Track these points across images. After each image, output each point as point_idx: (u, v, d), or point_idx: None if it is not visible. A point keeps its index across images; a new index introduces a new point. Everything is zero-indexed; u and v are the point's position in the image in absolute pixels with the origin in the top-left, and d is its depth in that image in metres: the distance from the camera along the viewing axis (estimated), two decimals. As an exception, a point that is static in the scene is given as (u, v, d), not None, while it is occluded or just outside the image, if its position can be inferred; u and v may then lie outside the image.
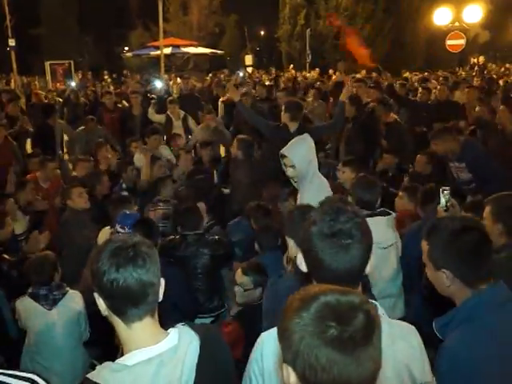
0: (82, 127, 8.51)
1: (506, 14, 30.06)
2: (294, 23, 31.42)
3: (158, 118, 9.13)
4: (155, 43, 24.41)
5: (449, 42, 17.26)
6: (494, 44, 31.86)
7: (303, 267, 1.76)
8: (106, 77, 22.84)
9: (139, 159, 6.48)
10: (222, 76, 19.97)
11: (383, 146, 7.27)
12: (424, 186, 4.44)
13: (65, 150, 9.26)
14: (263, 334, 1.81)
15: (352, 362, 1.15)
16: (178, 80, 18.26)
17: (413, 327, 1.83)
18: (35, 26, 33.73)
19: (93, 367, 2.17)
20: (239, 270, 3.73)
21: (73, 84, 17.46)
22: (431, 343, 1.95)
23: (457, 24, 17.49)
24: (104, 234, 4.24)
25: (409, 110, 8.84)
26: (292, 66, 26.69)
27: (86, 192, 5.05)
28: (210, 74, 21.50)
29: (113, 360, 1.59)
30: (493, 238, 2.15)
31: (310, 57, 24.25)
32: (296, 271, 2.21)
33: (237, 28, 36.30)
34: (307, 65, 24.29)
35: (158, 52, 20.63)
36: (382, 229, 3.53)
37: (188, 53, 27.73)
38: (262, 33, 39.79)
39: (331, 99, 10.75)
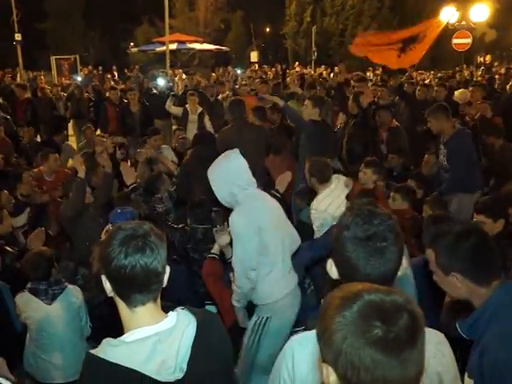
0: (84, 141, 8.47)
1: (513, 13, 29.90)
2: (300, 20, 31.41)
3: (176, 111, 9.26)
4: (161, 39, 24.43)
5: (455, 41, 17.18)
6: (501, 43, 31.68)
7: (334, 274, 1.72)
8: (114, 72, 22.83)
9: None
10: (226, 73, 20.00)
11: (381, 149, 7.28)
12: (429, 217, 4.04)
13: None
14: (294, 340, 1.74)
15: (397, 365, 1.11)
16: (184, 76, 18.27)
17: (442, 335, 1.81)
18: (41, 21, 33.82)
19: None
20: None
21: (79, 79, 17.49)
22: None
23: (463, 23, 17.41)
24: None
25: (412, 108, 8.80)
26: (297, 63, 26.67)
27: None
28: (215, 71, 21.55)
29: None
30: None
31: (315, 54, 24.21)
32: None
33: (242, 24, 36.31)
34: (313, 62, 24.26)
35: (164, 48, 20.62)
36: None
37: (193, 49, 27.73)
38: (268, 29, 39.72)
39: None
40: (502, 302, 1.92)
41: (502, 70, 19.92)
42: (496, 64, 23.95)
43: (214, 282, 3.79)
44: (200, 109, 9.01)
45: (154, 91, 11.29)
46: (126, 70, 23.59)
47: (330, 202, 4.40)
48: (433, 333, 1.79)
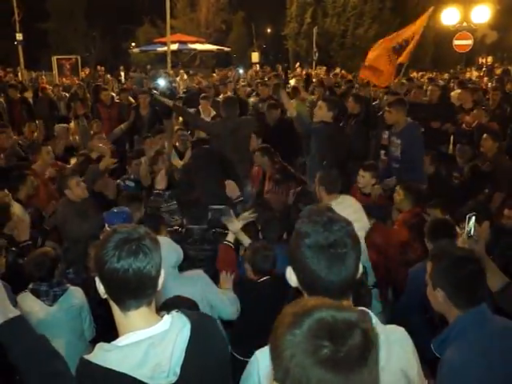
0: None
1: (514, 14, 29.91)
2: (301, 21, 31.39)
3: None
4: (162, 39, 24.46)
5: (456, 42, 17.21)
6: (502, 45, 31.71)
7: (293, 282, 1.70)
8: (121, 72, 22.79)
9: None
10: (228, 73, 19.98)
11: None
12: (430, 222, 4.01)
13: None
14: (257, 353, 1.73)
15: (345, 383, 1.09)
16: (185, 76, 18.29)
17: (403, 330, 1.83)
18: (43, 21, 33.81)
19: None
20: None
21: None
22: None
23: (464, 24, 17.43)
24: None
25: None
26: (298, 63, 26.69)
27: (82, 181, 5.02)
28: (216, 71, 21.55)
29: None
30: None
31: (316, 55, 24.22)
32: None
33: (244, 25, 36.32)
34: (314, 63, 24.28)
35: (165, 48, 20.67)
36: None
37: (195, 49, 27.76)
38: (269, 30, 39.77)
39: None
40: (465, 325, 2.15)
41: (498, 71, 19.95)
42: (496, 65, 23.96)
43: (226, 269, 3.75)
44: (213, 112, 9.01)
45: (155, 91, 11.29)
46: (130, 71, 23.58)
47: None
48: (395, 329, 1.81)
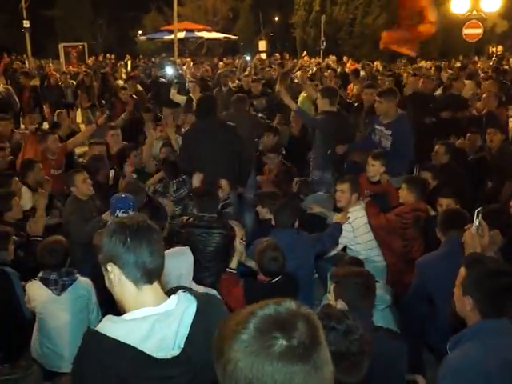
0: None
1: (525, 3, 29.52)
2: (309, 9, 31.16)
3: (179, 99, 9.28)
4: (169, 27, 24.38)
5: (466, 31, 17.00)
6: (512, 34, 31.37)
7: None
8: (128, 61, 22.70)
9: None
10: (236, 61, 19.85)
11: None
12: (444, 213, 3.94)
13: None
14: None
15: (311, 368, 1.07)
16: (191, 64, 18.21)
17: None
18: (50, 8, 33.78)
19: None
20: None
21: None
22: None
23: (474, 13, 17.22)
24: None
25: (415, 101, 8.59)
26: (305, 52, 26.52)
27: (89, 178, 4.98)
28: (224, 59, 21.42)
29: None
30: None
31: (324, 43, 24.06)
32: None
33: (251, 13, 36.10)
34: (321, 52, 24.11)
35: (172, 36, 20.60)
36: None
37: (202, 37, 27.64)
38: (277, 18, 39.51)
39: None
40: (481, 331, 2.15)
41: (511, 60, 19.76)
42: (507, 54, 23.70)
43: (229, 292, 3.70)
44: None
45: (163, 79, 11.27)
46: (137, 60, 23.45)
47: (357, 216, 4.52)
48: None
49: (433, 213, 4.54)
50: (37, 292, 3.59)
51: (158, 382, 1.62)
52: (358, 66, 16.34)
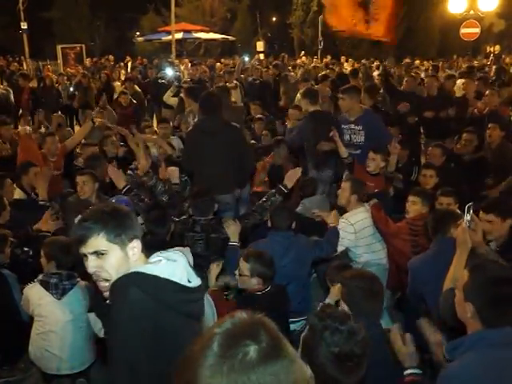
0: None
1: (522, 2, 29.55)
2: (306, 9, 31.21)
3: (172, 101, 9.28)
4: (167, 28, 24.34)
5: (463, 31, 17.05)
6: (509, 33, 31.38)
7: None
8: (129, 62, 22.65)
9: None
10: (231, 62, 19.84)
11: None
12: (434, 213, 3.95)
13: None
14: None
15: (288, 362, 1.09)
16: (189, 65, 18.19)
17: None
18: (47, 10, 33.73)
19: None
20: (242, 256, 3.66)
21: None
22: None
23: (472, 12, 17.25)
24: None
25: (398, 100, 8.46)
26: (303, 52, 26.53)
27: None
28: (223, 60, 21.39)
29: None
30: None
31: (321, 44, 24.07)
32: None
33: (249, 14, 36.09)
34: (319, 52, 24.12)
35: (170, 37, 20.56)
36: None
37: (199, 38, 27.63)
38: (274, 19, 39.48)
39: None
40: (482, 341, 2.05)
41: (507, 60, 19.76)
42: (504, 55, 23.75)
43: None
44: None
45: (162, 81, 11.26)
46: (136, 61, 23.38)
47: (360, 218, 4.50)
48: None
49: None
50: (37, 295, 3.57)
51: (190, 304, 1.98)
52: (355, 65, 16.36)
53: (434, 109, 7.79)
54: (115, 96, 11.12)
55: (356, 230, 4.42)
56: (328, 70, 13.72)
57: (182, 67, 16.96)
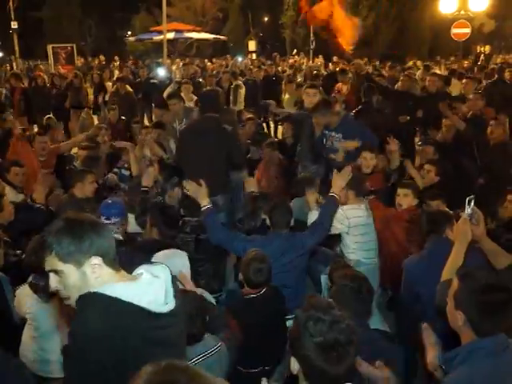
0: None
1: (512, 3, 29.79)
2: (298, 9, 31.19)
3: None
4: (158, 28, 24.26)
5: (454, 31, 17.13)
6: (500, 34, 31.61)
7: (295, 370, 1.84)
8: (116, 63, 22.56)
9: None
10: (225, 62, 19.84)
11: None
12: (428, 214, 3.96)
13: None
14: None
15: None
16: (181, 65, 18.17)
17: None
18: (38, 9, 33.51)
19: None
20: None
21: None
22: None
23: (462, 12, 17.34)
24: None
25: (392, 100, 8.50)
26: (295, 51, 26.58)
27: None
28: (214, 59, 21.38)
29: None
30: None
31: (313, 44, 24.09)
32: None
33: (240, 13, 36.06)
34: (311, 52, 24.15)
35: (161, 37, 20.51)
36: None
37: (191, 38, 27.59)
38: (266, 19, 39.48)
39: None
40: (477, 352, 2.05)
41: (498, 60, 19.87)
42: (494, 55, 23.90)
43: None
44: (195, 97, 8.98)
45: (154, 81, 11.23)
46: (129, 62, 23.33)
47: (357, 215, 4.46)
48: None
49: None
50: (26, 298, 3.55)
51: (156, 331, 1.78)
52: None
53: (431, 106, 7.82)
54: (107, 97, 11.06)
55: (350, 225, 4.37)
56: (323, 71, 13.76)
57: (174, 67, 16.96)
